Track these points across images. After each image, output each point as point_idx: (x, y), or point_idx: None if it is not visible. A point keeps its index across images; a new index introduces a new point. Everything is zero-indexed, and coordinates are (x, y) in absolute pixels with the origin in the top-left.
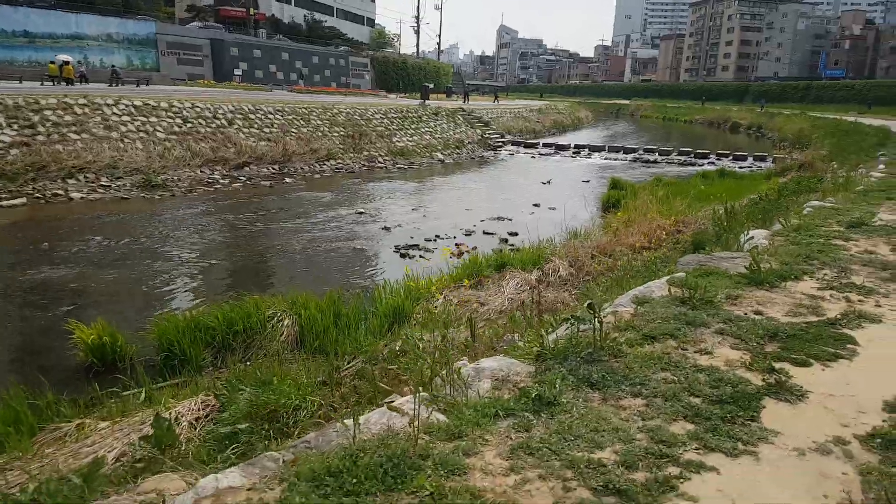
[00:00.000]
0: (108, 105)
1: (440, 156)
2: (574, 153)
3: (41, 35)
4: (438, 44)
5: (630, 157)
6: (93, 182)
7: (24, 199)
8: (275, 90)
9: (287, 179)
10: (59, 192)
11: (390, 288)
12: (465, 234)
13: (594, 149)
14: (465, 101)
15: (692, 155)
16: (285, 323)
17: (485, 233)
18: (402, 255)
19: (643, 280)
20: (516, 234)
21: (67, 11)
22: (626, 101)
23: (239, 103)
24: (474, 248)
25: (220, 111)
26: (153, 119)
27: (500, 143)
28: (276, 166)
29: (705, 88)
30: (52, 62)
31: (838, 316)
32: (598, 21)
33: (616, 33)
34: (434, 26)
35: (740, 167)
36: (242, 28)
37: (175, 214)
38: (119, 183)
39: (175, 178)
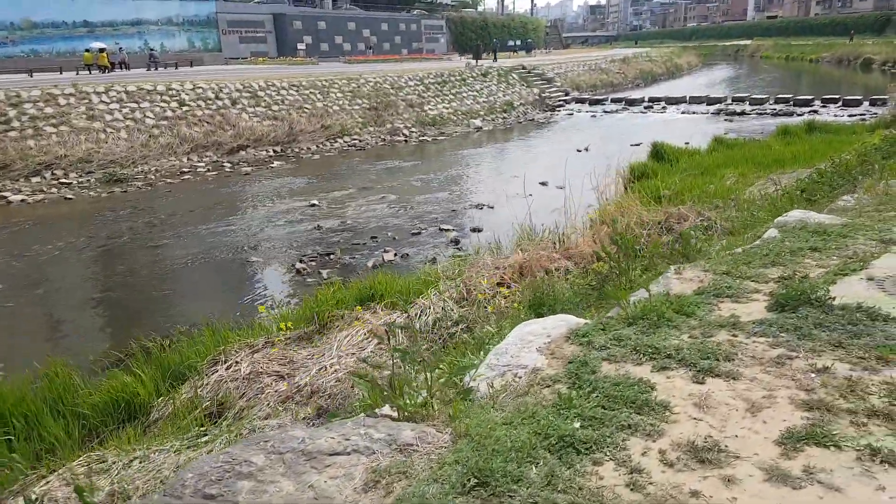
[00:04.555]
0: (96, 93)
1: (478, 122)
2: (646, 108)
3: (101, 24)
4: None
5: (713, 108)
6: (60, 179)
7: None
8: (322, 62)
9: (275, 163)
10: (7, 193)
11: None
12: (413, 234)
13: (672, 101)
14: (494, 59)
15: (791, 102)
16: None
17: (441, 229)
18: (300, 272)
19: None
20: (480, 230)
21: None
22: (747, 42)
23: (250, 81)
24: (404, 255)
25: (225, 90)
26: (144, 105)
27: (560, 103)
28: (279, 147)
29: (838, 22)
30: (88, 51)
31: None
32: None
33: None
34: None
35: (850, 115)
36: (308, 1)
37: (96, 218)
38: (82, 180)
39: (153, 168)
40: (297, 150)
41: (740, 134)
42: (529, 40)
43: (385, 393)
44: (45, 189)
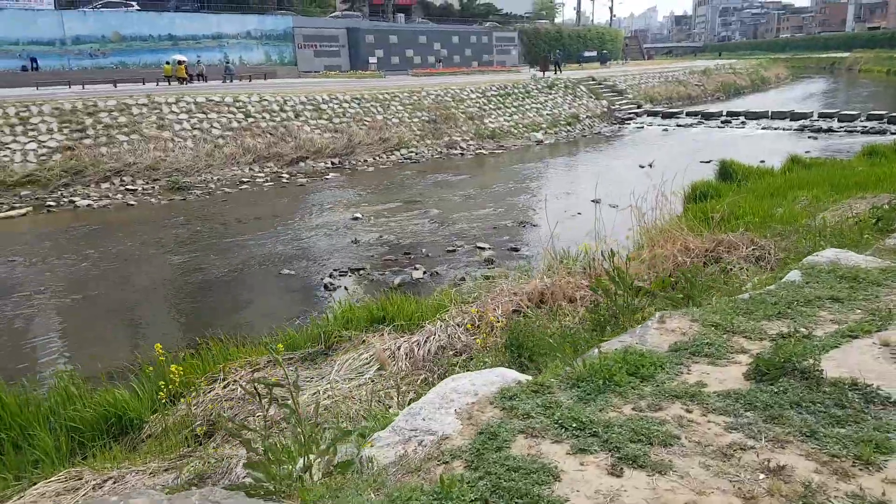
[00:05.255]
0: (167, 104)
1: (540, 136)
2: (723, 122)
3: (184, 37)
4: (611, 7)
5: (797, 125)
6: (127, 185)
7: (27, 209)
8: (389, 76)
9: (330, 175)
10: (76, 199)
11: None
12: (449, 251)
13: (752, 116)
14: (556, 72)
15: (885, 120)
16: None
17: (477, 247)
18: (327, 287)
19: None
20: (517, 249)
21: (209, 13)
22: (845, 54)
23: (314, 94)
24: (434, 273)
25: (290, 103)
26: (212, 115)
27: (630, 115)
28: (337, 159)
29: None
30: (168, 63)
31: None
32: None
33: None
34: None
35: None
36: (382, 15)
37: (152, 225)
38: (147, 187)
39: (215, 178)
40: (353, 162)
41: (824, 153)
42: (605, 52)
43: (258, 458)
44: (110, 195)
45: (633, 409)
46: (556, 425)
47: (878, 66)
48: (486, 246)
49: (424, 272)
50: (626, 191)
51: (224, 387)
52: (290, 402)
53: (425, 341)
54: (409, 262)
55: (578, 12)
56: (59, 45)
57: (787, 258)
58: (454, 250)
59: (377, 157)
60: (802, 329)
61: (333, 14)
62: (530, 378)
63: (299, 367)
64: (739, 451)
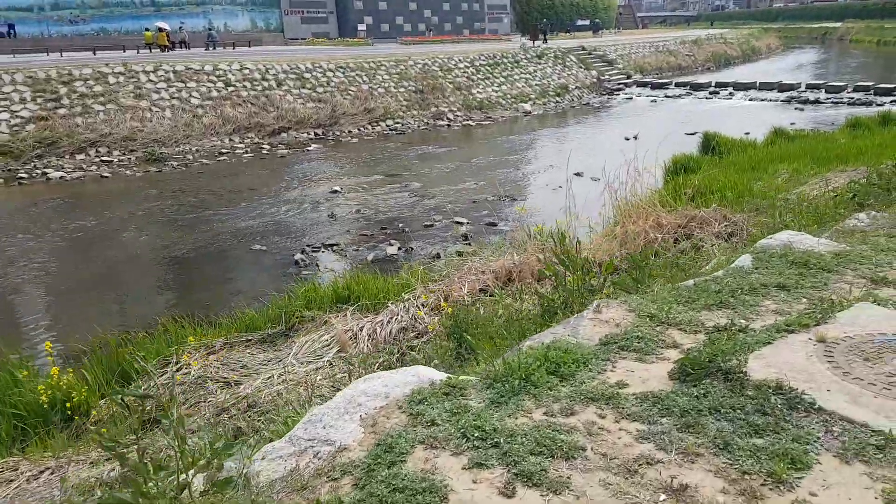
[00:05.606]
0: (144, 72)
1: (528, 107)
2: (711, 93)
3: (167, 3)
4: None
5: (784, 96)
6: (102, 156)
7: None
8: (378, 44)
9: (312, 146)
10: (49, 170)
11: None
12: (426, 226)
13: (740, 87)
14: (544, 41)
15: (871, 91)
16: None
17: (455, 222)
18: (298, 264)
19: None
20: (495, 224)
21: None
22: (836, 24)
23: (297, 62)
24: (409, 249)
25: (272, 71)
26: (191, 84)
27: (619, 86)
28: (320, 130)
29: None
30: (148, 30)
31: None
32: None
33: None
34: None
35: None
36: None
37: (124, 198)
38: (123, 158)
39: (193, 149)
40: (337, 133)
41: (809, 124)
42: (598, 20)
43: (128, 473)
44: (84, 167)
45: (544, 413)
46: (459, 434)
47: (868, 36)
48: (464, 221)
49: (399, 248)
50: (610, 163)
51: (177, 370)
52: (182, 412)
53: (388, 322)
54: (385, 237)
55: None
56: (37, 10)
57: (758, 235)
58: (432, 225)
59: (362, 129)
60: (742, 321)
61: None
62: (445, 378)
63: (257, 350)
64: (645, 466)
